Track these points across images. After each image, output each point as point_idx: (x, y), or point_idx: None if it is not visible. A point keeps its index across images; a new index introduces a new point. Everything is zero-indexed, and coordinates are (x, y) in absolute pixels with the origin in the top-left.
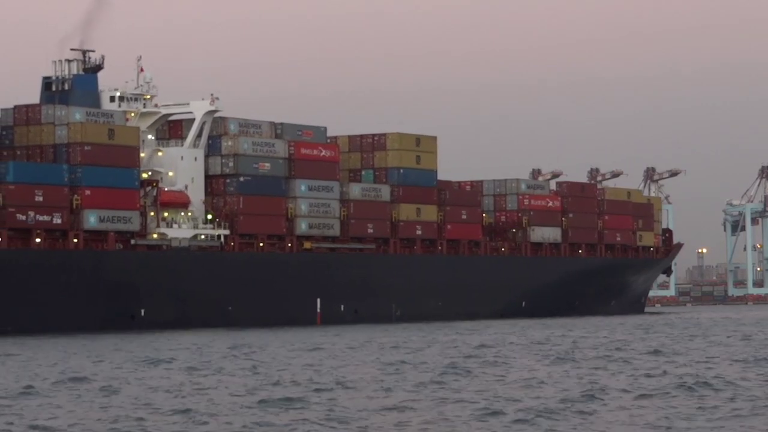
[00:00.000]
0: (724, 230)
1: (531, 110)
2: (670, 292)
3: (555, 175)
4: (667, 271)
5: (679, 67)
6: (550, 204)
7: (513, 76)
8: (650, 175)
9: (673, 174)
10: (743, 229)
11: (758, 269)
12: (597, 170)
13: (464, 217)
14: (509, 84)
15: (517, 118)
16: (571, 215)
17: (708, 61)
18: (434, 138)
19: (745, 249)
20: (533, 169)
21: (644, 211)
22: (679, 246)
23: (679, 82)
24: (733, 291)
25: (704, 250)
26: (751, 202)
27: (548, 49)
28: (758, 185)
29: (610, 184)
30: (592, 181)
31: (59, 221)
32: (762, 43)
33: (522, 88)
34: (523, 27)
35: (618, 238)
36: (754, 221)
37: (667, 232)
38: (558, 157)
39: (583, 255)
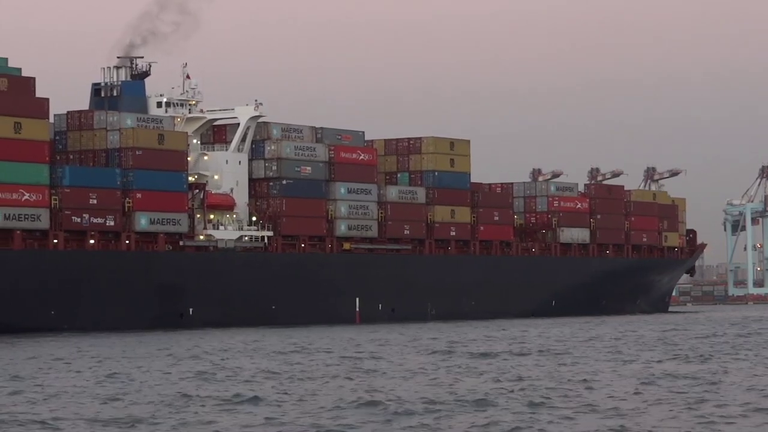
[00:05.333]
0: (725, 230)
1: (533, 112)
2: None
3: (555, 175)
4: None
5: (680, 69)
6: (579, 206)
7: (514, 79)
8: (650, 174)
9: (673, 174)
10: (743, 228)
11: (758, 269)
12: (597, 170)
13: (496, 218)
14: (508, 86)
15: (520, 121)
16: (598, 216)
17: (708, 62)
18: (467, 141)
19: (745, 249)
20: (533, 169)
21: (669, 212)
22: (703, 246)
23: (679, 83)
24: (733, 291)
25: (704, 250)
26: (752, 201)
27: (549, 53)
28: (758, 185)
29: (632, 186)
30: (593, 181)
31: (112, 223)
32: (762, 44)
33: (522, 90)
34: (530, 33)
35: (644, 239)
36: (754, 221)
37: (691, 233)
38: (558, 157)
39: (611, 255)
